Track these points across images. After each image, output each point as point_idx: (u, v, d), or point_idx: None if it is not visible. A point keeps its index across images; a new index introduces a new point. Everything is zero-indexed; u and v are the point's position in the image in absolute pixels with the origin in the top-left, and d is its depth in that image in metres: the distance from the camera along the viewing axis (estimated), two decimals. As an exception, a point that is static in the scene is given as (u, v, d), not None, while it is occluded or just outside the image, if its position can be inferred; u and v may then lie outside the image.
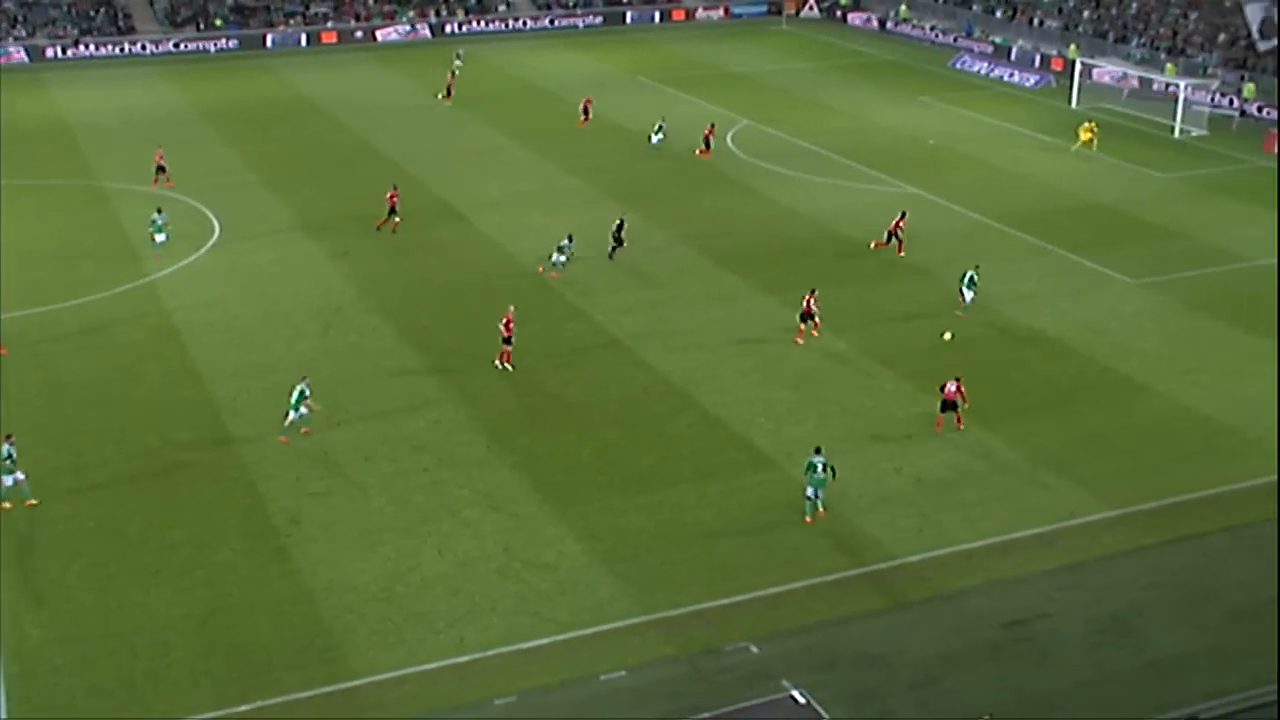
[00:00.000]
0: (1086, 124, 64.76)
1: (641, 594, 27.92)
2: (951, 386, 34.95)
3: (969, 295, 42.62)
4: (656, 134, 62.70)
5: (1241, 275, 46.59)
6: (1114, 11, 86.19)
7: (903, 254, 47.49)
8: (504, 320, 38.10)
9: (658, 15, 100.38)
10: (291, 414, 34.00)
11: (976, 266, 43.87)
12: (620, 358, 39.23)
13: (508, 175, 58.32)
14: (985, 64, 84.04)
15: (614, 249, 47.04)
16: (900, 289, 44.82)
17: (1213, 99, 70.21)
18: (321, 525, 30.44)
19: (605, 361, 38.98)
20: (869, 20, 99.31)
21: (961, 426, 35.01)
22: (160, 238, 47.38)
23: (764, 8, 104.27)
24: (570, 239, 46.04)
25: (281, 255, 47.80)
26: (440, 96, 72.86)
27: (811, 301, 40.79)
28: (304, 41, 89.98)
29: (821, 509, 30.73)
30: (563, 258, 45.37)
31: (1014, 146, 64.22)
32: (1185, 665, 25.90)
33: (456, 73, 75.04)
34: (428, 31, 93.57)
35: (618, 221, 47.59)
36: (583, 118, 67.39)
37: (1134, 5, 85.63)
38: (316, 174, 58.33)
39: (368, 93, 75.15)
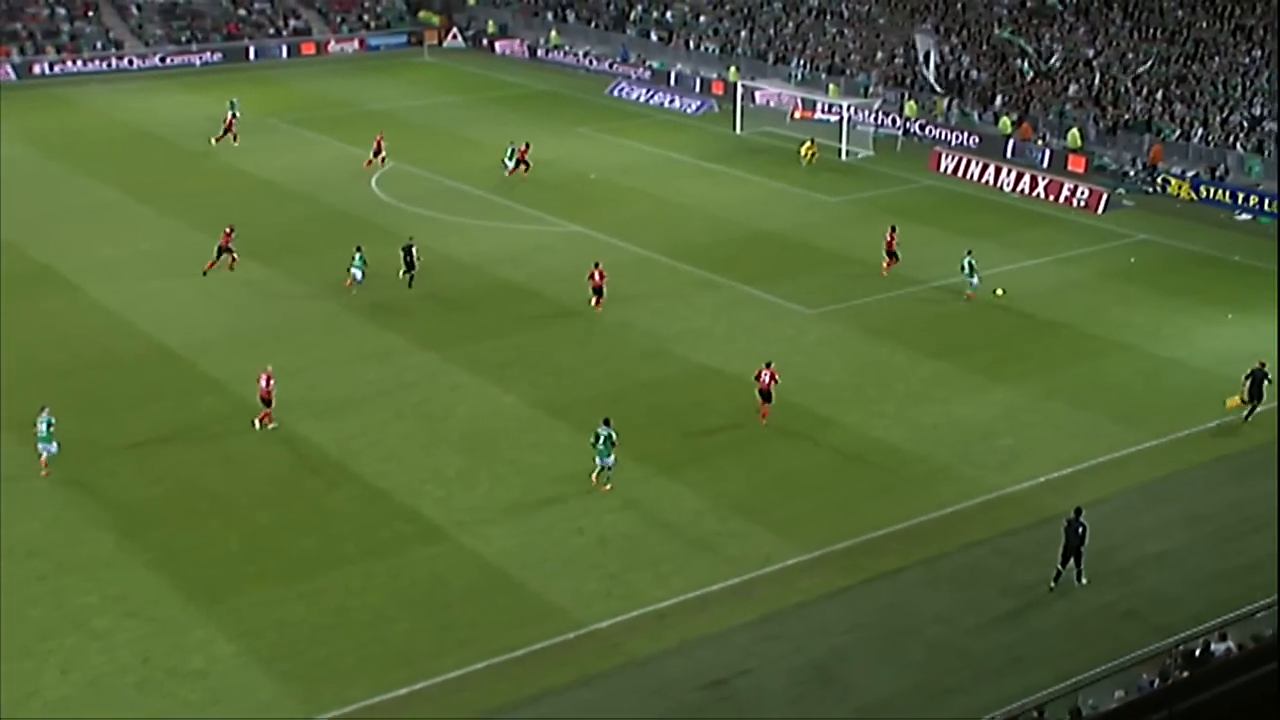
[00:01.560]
0: (806, 143, 68.96)
1: (307, 692, 27.24)
2: (765, 375, 38.58)
3: (974, 280, 48.69)
4: (510, 160, 64.65)
5: (918, 298, 49.49)
6: (771, 32, 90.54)
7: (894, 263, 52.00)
8: (264, 379, 38.29)
9: (285, 50, 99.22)
10: (43, 449, 34.74)
11: (969, 252, 49.44)
12: (266, 431, 38.34)
13: (122, 235, 56.26)
14: (644, 90, 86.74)
15: (408, 273, 49.23)
16: (568, 333, 45.54)
17: (876, 119, 74.56)
18: (-82, 654, 28.39)
19: (249, 437, 38.00)
20: (518, 49, 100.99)
21: (765, 419, 38.72)
22: None
23: (403, 39, 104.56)
24: (359, 249, 49.15)
25: None
26: (215, 139, 71.14)
27: (598, 274, 47.13)
28: None
29: (607, 485, 34.91)
30: (358, 273, 48.69)
31: (679, 176, 66.41)
32: (889, 707, 27.14)
33: (236, 116, 72.85)
34: (10, 72, 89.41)
35: (406, 244, 49.55)
36: (375, 159, 66.39)
37: (790, 25, 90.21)
38: (-111, 244, 54.75)
39: (-53, 147, 71.20)
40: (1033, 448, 37.94)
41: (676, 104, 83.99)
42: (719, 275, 51.51)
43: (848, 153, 70.72)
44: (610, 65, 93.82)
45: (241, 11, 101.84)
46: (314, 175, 65.61)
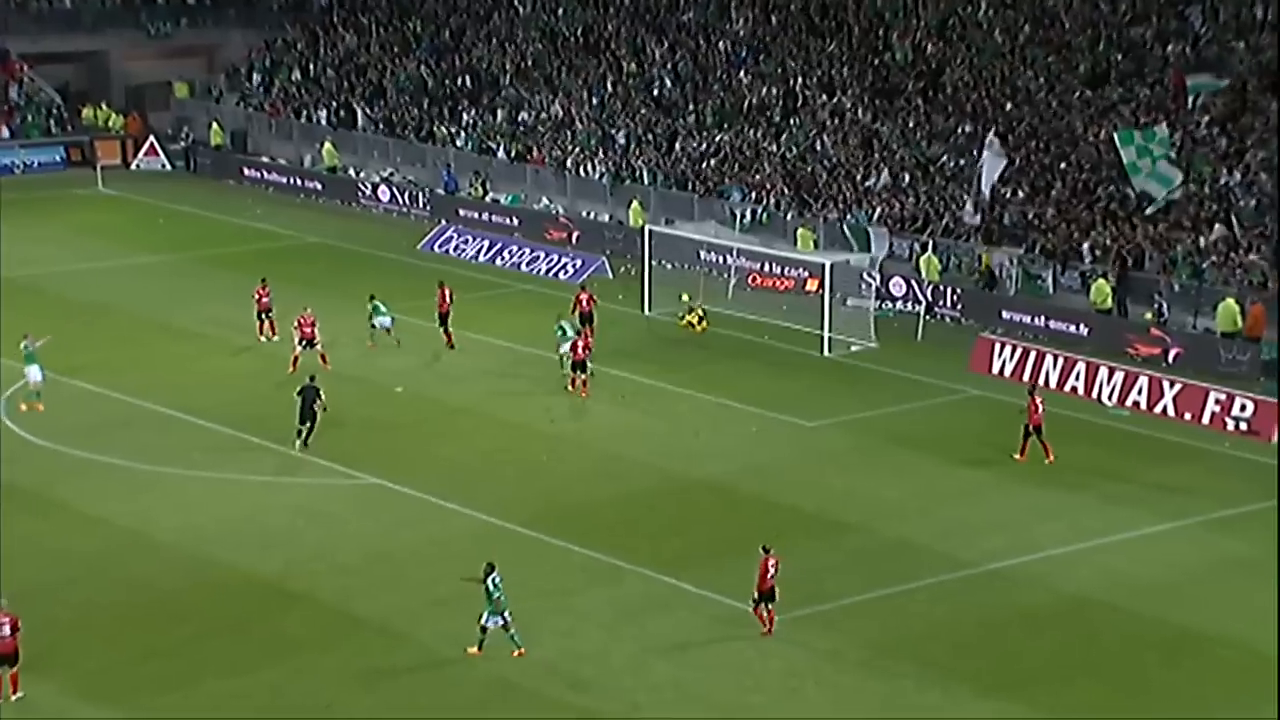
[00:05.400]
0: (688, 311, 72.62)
1: None
2: (771, 565, 45.43)
3: None
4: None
5: (960, 592, 49.05)
6: (699, 142, 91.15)
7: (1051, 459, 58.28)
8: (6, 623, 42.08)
9: None
10: None
11: None
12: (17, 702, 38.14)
13: None
14: (485, 243, 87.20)
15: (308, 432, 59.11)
16: (357, 664, 44.37)
17: (880, 286, 74.63)
18: None
19: None
20: (269, 173, 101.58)
21: (770, 630, 45.36)
22: None
23: (58, 156, 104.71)
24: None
25: None
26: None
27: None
28: None
29: (520, 647, 43.89)
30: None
31: (547, 388, 66.07)
32: None
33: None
34: None
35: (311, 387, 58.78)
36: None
37: (728, 131, 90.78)
38: None
39: None
40: None
41: (541, 264, 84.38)
42: (619, 558, 50.91)
43: (833, 343, 70.96)
44: (426, 203, 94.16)
45: None
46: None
